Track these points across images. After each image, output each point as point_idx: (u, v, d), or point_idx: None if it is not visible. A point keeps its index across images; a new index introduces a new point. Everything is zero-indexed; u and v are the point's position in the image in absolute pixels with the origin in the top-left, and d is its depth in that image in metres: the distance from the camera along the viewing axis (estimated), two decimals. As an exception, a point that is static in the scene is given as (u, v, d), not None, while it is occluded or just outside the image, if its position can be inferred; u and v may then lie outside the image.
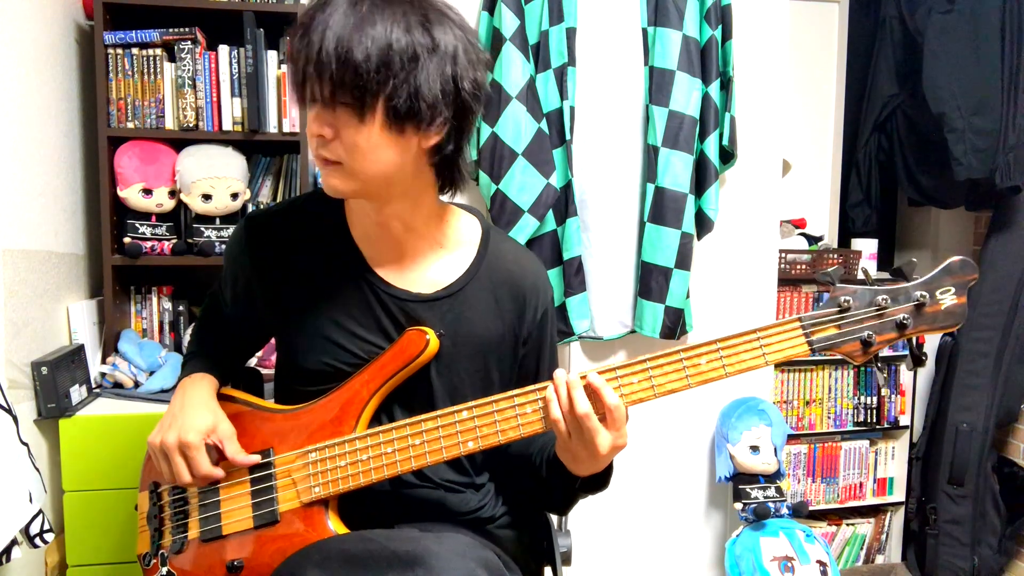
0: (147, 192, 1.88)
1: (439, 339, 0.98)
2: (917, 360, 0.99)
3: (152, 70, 1.87)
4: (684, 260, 1.93)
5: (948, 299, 0.88)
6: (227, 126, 1.91)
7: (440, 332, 0.99)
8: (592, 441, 0.87)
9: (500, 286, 1.04)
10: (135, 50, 1.86)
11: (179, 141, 1.91)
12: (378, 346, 0.99)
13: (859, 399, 2.56)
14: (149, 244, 1.90)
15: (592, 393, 0.87)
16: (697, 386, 0.90)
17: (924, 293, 0.88)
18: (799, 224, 2.63)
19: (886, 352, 2.57)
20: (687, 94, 1.91)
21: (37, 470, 1.44)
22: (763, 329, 0.90)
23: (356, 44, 0.82)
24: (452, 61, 0.87)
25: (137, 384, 1.79)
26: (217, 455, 1.00)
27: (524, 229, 1.86)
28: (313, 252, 1.02)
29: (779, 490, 1.99)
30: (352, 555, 0.85)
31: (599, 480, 0.97)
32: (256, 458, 0.99)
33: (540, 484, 1.03)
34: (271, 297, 1.03)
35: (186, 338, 1.99)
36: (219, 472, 0.99)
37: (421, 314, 1.00)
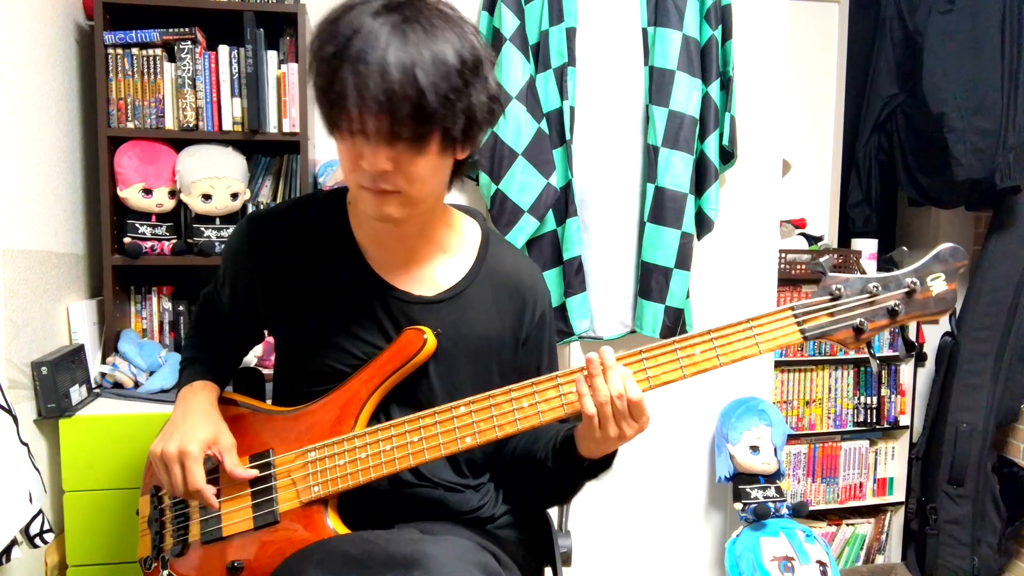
0: (147, 192, 1.88)
1: (437, 338, 0.98)
2: (910, 346, 1.00)
3: (152, 70, 1.87)
4: (684, 260, 1.93)
5: (938, 285, 0.90)
6: (227, 126, 1.91)
7: (438, 331, 0.99)
8: (619, 424, 0.87)
9: (499, 288, 1.05)
10: (135, 50, 1.86)
11: (179, 141, 1.91)
12: (378, 347, 0.99)
13: (859, 399, 2.56)
14: (149, 244, 1.90)
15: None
16: (692, 376, 0.91)
17: (915, 280, 0.90)
18: (799, 224, 2.63)
19: (886, 352, 2.57)
20: (687, 94, 1.91)
21: (37, 470, 1.44)
22: (756, 318, 0.91)
23: (420, 79, 0.79)
24: (487, 77, 0.87)
25: (137, 384, 1.79)
26: (216, 464, 1.00)
27: (524, 229, 1.86)
28: (315, 253, 1.01)
29: (779, 490, 1.99)
30: (351, 556, 0.85)
31: (605, 462, 0.98)
32: (254, 472, 1.00)
33: (545, 476, 1.03)
34: (272, 297, 1.03)
35: (186, 338, 1.99)
36: (213, 494, 0.99)
37: (422, 316, 1.00)
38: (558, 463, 0.99)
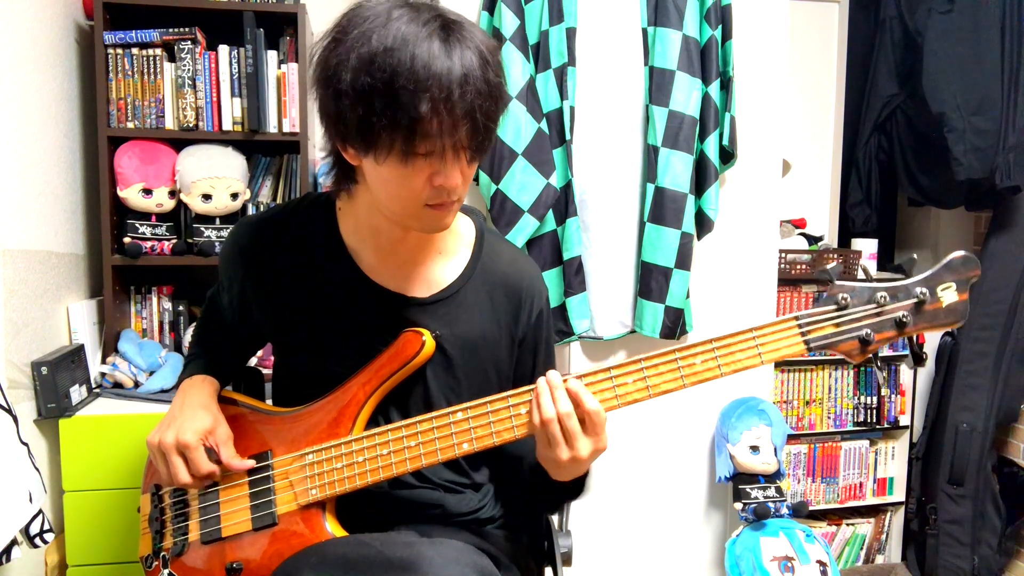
0: (147, 192, 1.88)
1: (435, 340, 0.98)
2: (917, 359, 0.97)
3: (152, 70, 1.87)
4: (684, 260, 1.93)
5: (949, 296, 0.86)
6: (227, 126, 1.91)
7: (436, 333, 0.98)
8: (572, 445, 0.87)
9: (495, 288, 1.04)
10: (135, 50, 1.86)
11: (179, 141, 1.91)
12: (374, 350, 0.99)
13: (859, 399, 2.56)
14: (149, 244, 1.91)
15: (572, 398, 0.87)
16: (692, 386, 0.89)
17: (924, 290, 0.86)
18: (799, 224, 2.63)
19: (886, 352, 2.56)
20: (687, 94, 1.91)
21: (37, 470, 1.44)
22: (759, 328, 0.88)
23: (491, 81, 0.81)
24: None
25: (137, 384, 1.79)
26: (215, 457, 1.00)
27: (524, 229, 1.86)
28: (305, 257, 1.01)
29: (779, 490, 1.99)
30: (348, 559, 0.85)
31: (576, 486, 0.97)
32: (250, 463, 1.00)
33: (525, 487, 1.04)
34: (265, 302, 1.03)
35: (186, 338, 1.99)
36: (215, 470, 0.99)
37: (417, 317, 0.99)
38: (533, 478, 0.99)
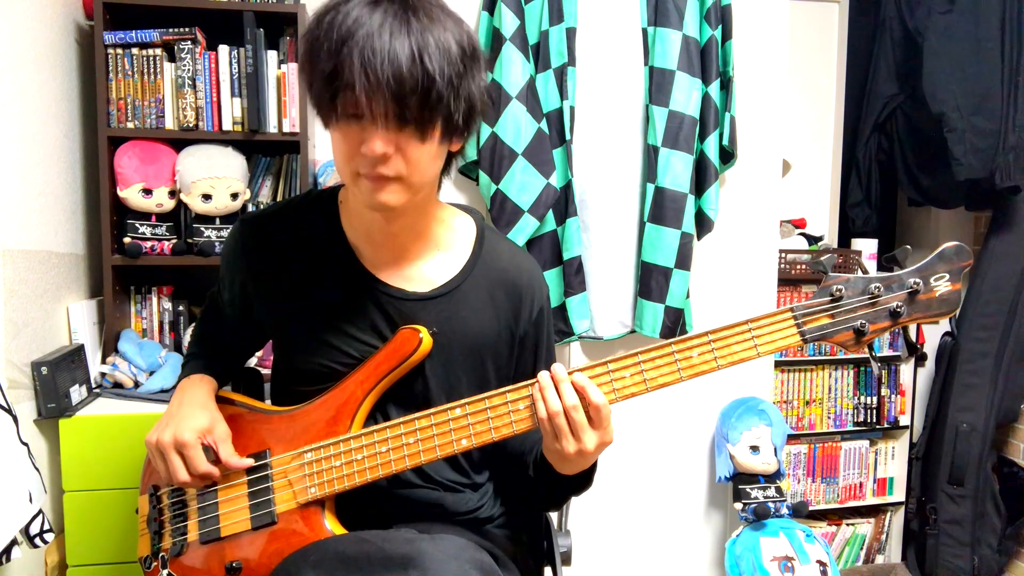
0: (147, 192, 1.88)
1: (433, 337, 0.98)
2: (912, 348, 0.98)
3: (152, 70, 1.87)
4: (684, 260, 1.93)
5: (942, 286, 0.88)
6: (227, 126, 1.91)
7: (434, 330, 0.98)
8: (579, 437, 0.87)
9: (496, 285, 1.04)
10: (135, 50, 1.86)
11: (179, 141, 1.91)
12: (373, 346, 0.99)
13: (859, 399, 2.56)
14: (149, 244, 1.90)
15: (578, 391, 0.88)
16: (689, 379, 0.89)
17: (918, 280, 0.87)
18: (799, 224, 2.63)
19: (886, 352, 2.57)
20: (687, 94, 1.91)
21: (37, 470, 1.44)
22: (755, 320, 0.89)
23: (427, 63, 0.80)
24: (483, 66, 0.89)
25: (137, 384, 1.79)
26: (214, 456, 1.00)
27: (524, 229, 1.86)
28: (307, 253, 1.01)
29: (779, 490, 1.99)
30: (348, 556, 0.85)
31: (583, 479, 0.97)
32: (249, 462, 1.00)
33: (528, 484, 1.03)
34: (266, 298, 1.03)
35: (186, 338, 1.99)
36: (215, 471, 0.99)
37: (416, 313, 0.99)
38: (538, 474, 0.99)
